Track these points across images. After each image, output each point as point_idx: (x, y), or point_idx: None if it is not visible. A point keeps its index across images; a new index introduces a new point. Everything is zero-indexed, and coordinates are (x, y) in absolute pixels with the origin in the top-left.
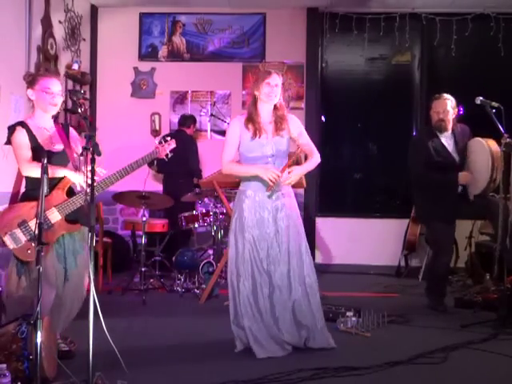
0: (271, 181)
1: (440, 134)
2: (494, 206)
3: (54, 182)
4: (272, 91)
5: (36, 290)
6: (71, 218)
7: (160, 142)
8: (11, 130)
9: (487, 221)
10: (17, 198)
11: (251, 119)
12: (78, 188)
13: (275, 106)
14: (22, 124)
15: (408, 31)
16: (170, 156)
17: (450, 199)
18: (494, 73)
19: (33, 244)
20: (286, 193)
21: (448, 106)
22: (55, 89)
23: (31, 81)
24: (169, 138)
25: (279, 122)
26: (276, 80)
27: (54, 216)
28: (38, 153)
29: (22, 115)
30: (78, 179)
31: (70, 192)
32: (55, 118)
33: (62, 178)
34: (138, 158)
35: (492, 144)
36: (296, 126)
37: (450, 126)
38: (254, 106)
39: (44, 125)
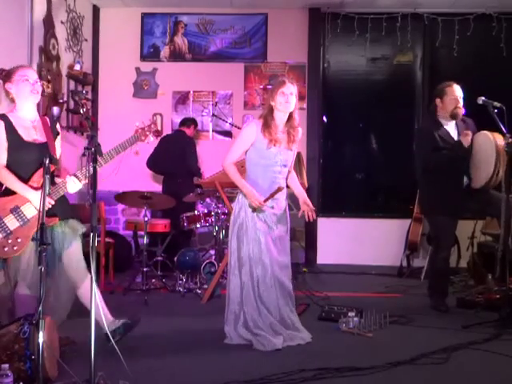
0: (254, 207)
1: (445, 123)
2: (497, 201)
3: (26, 174)
4: (287, 100)
5: (38, 291)
6: (50, 213)
7: (142, 128)
8: None
9: (491, 218)
10: None
11: (268, 128)
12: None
13: (289, 115)
14: (3, 117)
15: (410, 31)
16: (152, 140)
17: (455, 194)
18: (497, 73)
19: (9, 241)
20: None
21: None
22: (33, 77)
23: (7, 74)
24: (153, 119)
25: (292, 134)
26: (290, 89)
27: (31, 211)
28: (17, 145)
29: None
30: (36, 202)
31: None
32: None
33: (36, 170)
34: (115, 145)
35: (498, 137)
36: (298, 140)
37: None
38: (270, 116)
39: (27, 116)
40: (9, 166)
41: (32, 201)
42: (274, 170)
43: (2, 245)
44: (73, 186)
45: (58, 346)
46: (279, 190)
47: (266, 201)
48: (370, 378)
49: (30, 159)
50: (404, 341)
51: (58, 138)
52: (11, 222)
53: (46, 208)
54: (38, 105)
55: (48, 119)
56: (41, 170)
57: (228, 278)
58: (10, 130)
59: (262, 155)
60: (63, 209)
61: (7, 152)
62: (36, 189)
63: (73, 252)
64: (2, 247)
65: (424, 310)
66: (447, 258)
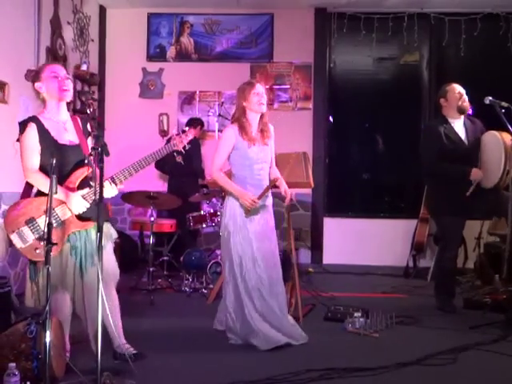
0: (249, 207)
1: (453, 121)
2: (506, 201)
3: (62, 176)
4: (261, 99)
5: (45, 291)
6: (83, 216)
7: (178, 134)
8: (22, 126)
9: (498, 219)
10: (29, 192)
11: (244, 129)
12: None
13: (261, 114)
14: (34, 119)
15: (416, 31)
16: (187, 148)
17: (463, 194)
18: (504, 72)
19: (42, 243)
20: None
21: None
22: (62, 73)
23: (35, 74)
24: (187, 129)
25: (265, 131)
26: (261, 89)
27: (64, 212)
28: (50, 149)
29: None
30: (69, 203)
31: (85, 185)
32: (74, 111)
33: (72, 172)
34: (153, 151)
35: (506, 136)
36: (273, 135)
37: None
38: (244, 117)
39: (59, 117)
40: (43, 168)
41: (66, 202)
42: (257, 167)
43: (34, 247)
44: (109, 190)
45: (64, 346)
46: (274, 181)
47: (259, 198)
48: (377, 378)
49: (66, 162)
50: (410, 341)
51: (90, 137)
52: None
53: (81, 211)
54: (68, 104)
55: (79, 119)
56: (76, 172)
57: (224, 287)
58: (43, 133)
59: (246, 156)
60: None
61: (41, 154)
62: (71, 190)
63: (105, 254)
64: (34, 249)
65: (430, 311)
66: (454, 258)
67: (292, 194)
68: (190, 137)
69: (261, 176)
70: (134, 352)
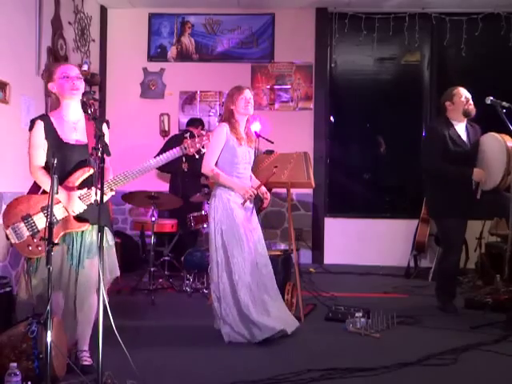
0: (247, 198)
1: (456, 124)
2: (506, 201)
3: (64, 175)
4: (248, 104)
5: (46, 290)
6: (81, 216)
7: (192, 136)
8: (31, 123)
9: (499, 219)
10: (37, 190)
11: (234, 128)
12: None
13: (248, 118)
14: (43, 117)
15: (418, 31)
16: (203, 152)
17: (464, 195)
18: (505, 72)
19: (35, 240)
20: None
21: None
22: (73, 73)
23: (49, 74)
24: (204, 132)
25: (250, 135)
26: (249, 94)
27: (61, 211)
28: (55, 146)
29: (33, 116)
30: (66, 202)
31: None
32: (92, 114)
33: (73, 171)
34: (162, 155)
35: (507, 138)
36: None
37: None
38: (234, 118)
39: (69, 117)
40: (48, 166)
41: (62, 201)
42: (242, 167)
43: (26, 243)
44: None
45: (66, 346)
46: (273, 174)
47: (257, 188)
48: (378, 378)
49: (69, 161)
50: (411, 341)
51: (104, 138)
52: (40, 221)
53: (78, 212)
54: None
55: (94, 120)
56: (76, 172)
57: (217, 285)
58: (50, 131)
59: (235, 154)
60: (96, 214)
61: (47, 152)
62: (70, 189)
63: (95, 264)
64: (27, 246)
65: (431, 311)
66: (457, 260)
67: (293, 194)
68: (206, 141)
69: (245, 175)
70: (87, 364)
